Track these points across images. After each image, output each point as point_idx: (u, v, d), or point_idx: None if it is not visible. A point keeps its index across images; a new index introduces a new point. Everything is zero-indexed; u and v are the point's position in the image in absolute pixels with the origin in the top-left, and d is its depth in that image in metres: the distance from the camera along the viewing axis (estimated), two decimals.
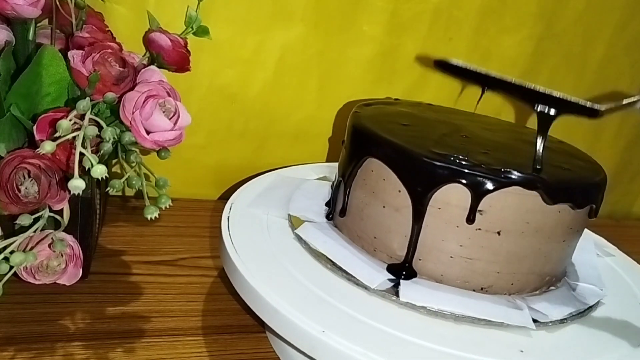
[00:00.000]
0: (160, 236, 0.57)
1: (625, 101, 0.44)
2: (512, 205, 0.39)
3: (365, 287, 0.40)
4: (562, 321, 0.40)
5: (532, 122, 0.57)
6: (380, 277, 0.41)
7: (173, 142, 0.41)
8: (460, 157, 0.40)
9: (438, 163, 0.39)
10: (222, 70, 0.63)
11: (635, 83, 0.81)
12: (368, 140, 0.44)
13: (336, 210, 0.48)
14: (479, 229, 0.40)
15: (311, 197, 0.52)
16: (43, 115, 0.39)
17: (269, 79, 0.65)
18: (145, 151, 0.41)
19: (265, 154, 0.69)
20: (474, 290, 0.41)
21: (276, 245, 0.44)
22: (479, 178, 0.38)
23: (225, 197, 0.51)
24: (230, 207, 0.49)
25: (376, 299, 0.40)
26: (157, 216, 0.37)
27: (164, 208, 0.38)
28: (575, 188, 0.41)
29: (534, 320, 0.39)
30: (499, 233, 0.40)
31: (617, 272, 0.50)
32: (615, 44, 0.77)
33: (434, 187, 0.39)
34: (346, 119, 0.49)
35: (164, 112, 0.40)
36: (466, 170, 0.39)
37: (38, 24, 0.44)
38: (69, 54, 0.41)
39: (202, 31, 0.48)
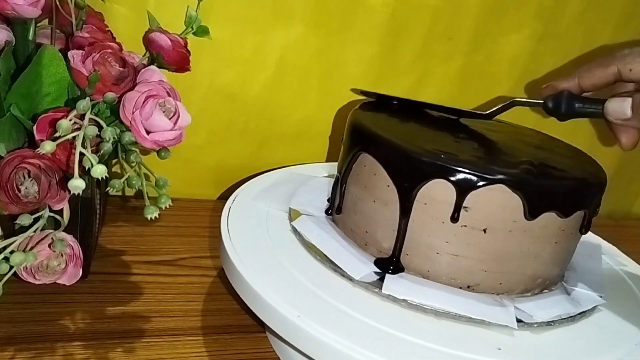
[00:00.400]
0: (160, 236, 0.57)
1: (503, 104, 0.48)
2: (498, 203, 0.39)
3: (350, 279, 0.41)
4: (549, 323, 0.40)
5: (536, 124, 0.58)
6: (365, 270, 0.42)
7: (173, 142, 0.41)
8: (447, 153, 0.40)
9: (423, 158, 0.40)
10: (222, 70, 0.63)
11: None
12: (362, 136, 0.45)
13: (334, 206, 0.49)
14: (465, 226, 0.40)
15: (315, 192, 0.52)
16: (43, 115, 0.39)
17: (269, 79, 0.65)
18: (145, 151, 0.41)
19: (265, 154, 0.69)
20: (460, 288, 0.41)
21: (273, 238, 0.45)
22: (462, 174, 0.39)
23: (225, 197, 0.51)
24: (234, 199, 0.49)
25: (359, 291, 0.40)
26: (157, 216, 0.37)
27: (164, 208, 0.38)
28: (561, 191, 0.41)
29: (519, 321, 0.39)
30: (485, 230, 0.40)
31: (625, 282, 0.49)
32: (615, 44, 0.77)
33: (419, 182, 0.40)
34: (346, 119, 0.49)
35: (164, 112, 0.40)
36: (450, 166, 0.39)
37: (38, 24, 0.44)
38: (69, 54, 0.41)
39: (202, 31, 0.48)
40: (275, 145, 0.69)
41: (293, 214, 0.49)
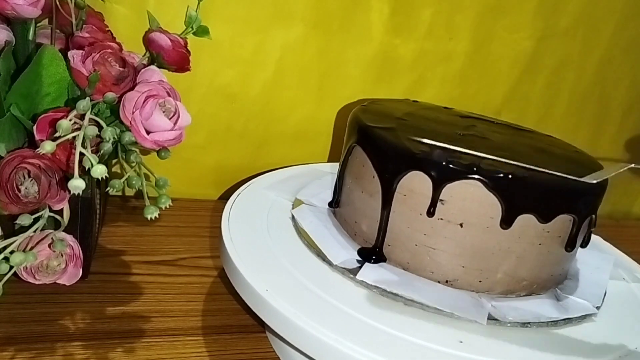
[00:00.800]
0: (160, 236, 0.57)
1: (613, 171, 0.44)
2: (474, 197, 0.39)
3: (330, 263, 0.42)
4: (525, 325, 0.39)
5: (537, 124, 0.58)
6: (345, 256, 0.43)
7: (173, 142, 0.41)
8: (427, 145, 0.41)
9: (402, 150, 0.41)
10: (222, 70, 0.63)
11: (635, 83, 0.81)
12: (355, 128, 0.46)
13: (334, 199, 0.50)
14: (441, 219, 0.40)
15: (325, 187, 0.53)
16: (43, 115, 0.39)
17: (269, 79, 0.65)
18: (145, 151, 0.41)
19: (265, 154, 0.69)
20: (439, 282, 0.41)
21: (274, 238, 0.45)
22: (437, 166, 0.39)
23: (225, 197, 0.51)
24: (235, 200, 0.50)
25: (336, 275, 0.41)
26: (157, 216, 0.37)
27: (164, 208, 0.38)
28: (539, 193, 0.40)
29: (493, 319, 0.39)
30: (461, 225, 0.40)
31: (635, 298, 0.47)
32: (615, 44, 0.77)
33: (399, 174, 0.41)
34: (346, 119, 0.49)
35: (164, 112, 0.40)
36: (426, 158, 0.40)
37: (38, 24, 0.44)
38: (69, 54, 0.41)
39: (202, 31, 0.48)
40: (275, 145, 0.69)
41: (296, 203, 0.50)
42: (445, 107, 0.57)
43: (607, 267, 0.49)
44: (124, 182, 0.39)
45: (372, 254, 0.43)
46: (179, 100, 0.42)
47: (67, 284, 0.42)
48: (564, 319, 0.41)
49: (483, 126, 0.51)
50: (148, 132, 0.40)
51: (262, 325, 0.46)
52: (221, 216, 0.46)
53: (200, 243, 0.57)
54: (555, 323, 0.40)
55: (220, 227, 0.45)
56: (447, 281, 0.41)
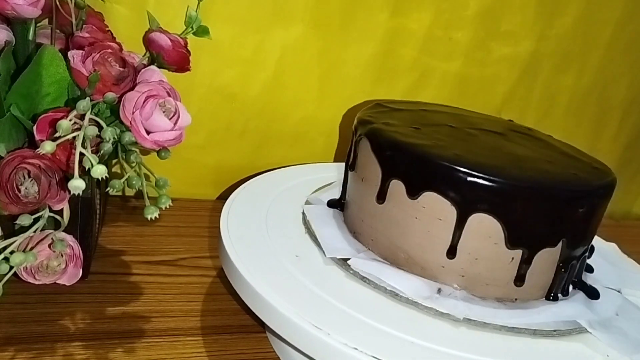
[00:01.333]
0: (160, 236, 0.57)
1: None
2: (366, 154, 0.44)
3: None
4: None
5: (537, 123, 0.57)
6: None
7: (173, 142, 0.41)
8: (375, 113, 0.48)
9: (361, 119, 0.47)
10: (222, 70, 0.63)
11: (635, 83, 0.81)
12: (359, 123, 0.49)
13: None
14: (355, 172, 0.47)
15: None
16: (43, 115, 0.39)
17: (269, 79, 0.65)
18: (145, 151, 0.41)
19: (265, 154, 0.69)
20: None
21: (273, 237, 0.45)
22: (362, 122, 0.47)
23: (225, 197, 0.51)
24: (234, 198, 0.50)
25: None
26: (157, 216, 0.37)
27: (164, 208, 0.38)
28: (408, 161, 0.41)
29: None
30: (362, 179, 0.45)
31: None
32: (615, 44, 0.77)
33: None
34: (346, 119, 0.49)
35: (164, 112, 0.40)
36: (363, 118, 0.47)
37: (38, 24, 0.44)
38: (69, 54, 0.41)
39: (202, 31, 0.48)
40: (275, 145, 0.69)
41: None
42: (439, 104, 0.56)
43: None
44: (124, 182, 0.39)
45: (337, 204, 0.50)
46: (179, 100, 0.42)
47: (67, 284, 0.42)
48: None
49: (483, 123, 0.51)
50: (148, 132, 0.40)
51: (262, 325, 0.46)
52: (220, 216, 0.46)
53: (200, 243, 0.57)
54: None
55: (219, 227, 0.45)
56: (372, 240, 0.44)
